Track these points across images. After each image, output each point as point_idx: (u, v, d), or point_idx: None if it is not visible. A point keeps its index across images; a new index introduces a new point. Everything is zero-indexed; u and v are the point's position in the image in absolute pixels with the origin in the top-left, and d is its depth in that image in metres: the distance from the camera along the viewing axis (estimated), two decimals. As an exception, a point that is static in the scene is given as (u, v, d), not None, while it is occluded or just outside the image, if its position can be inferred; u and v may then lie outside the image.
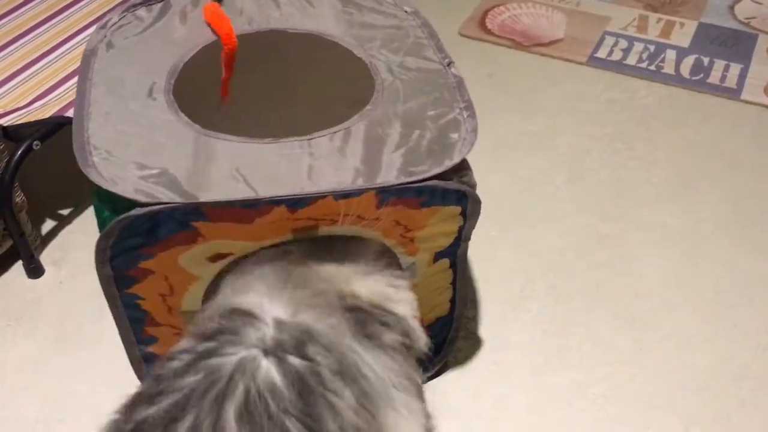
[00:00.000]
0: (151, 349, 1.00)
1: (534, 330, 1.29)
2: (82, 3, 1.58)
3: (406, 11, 1.12)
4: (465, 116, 0.94)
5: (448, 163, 0.87)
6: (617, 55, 1.95)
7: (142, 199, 0.80)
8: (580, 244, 1.45)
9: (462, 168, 0.91)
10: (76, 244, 1.45)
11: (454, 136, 0.92)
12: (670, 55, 1.94)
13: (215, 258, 0.88)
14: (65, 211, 1.50)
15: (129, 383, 1.02)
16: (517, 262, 1.41)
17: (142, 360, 1.01)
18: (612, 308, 1.33)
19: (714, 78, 1.86)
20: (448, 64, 1.02)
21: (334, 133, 0.90)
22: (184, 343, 0.74)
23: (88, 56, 1.01)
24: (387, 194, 0.85)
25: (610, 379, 1.22)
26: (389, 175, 0.86)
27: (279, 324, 0.74)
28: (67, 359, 1.25)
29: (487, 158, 1.65)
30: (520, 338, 1.29)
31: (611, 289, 1.36)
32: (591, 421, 1.16)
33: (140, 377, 1.03)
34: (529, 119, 1.77)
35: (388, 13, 1.11)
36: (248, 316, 0.74)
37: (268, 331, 0.73)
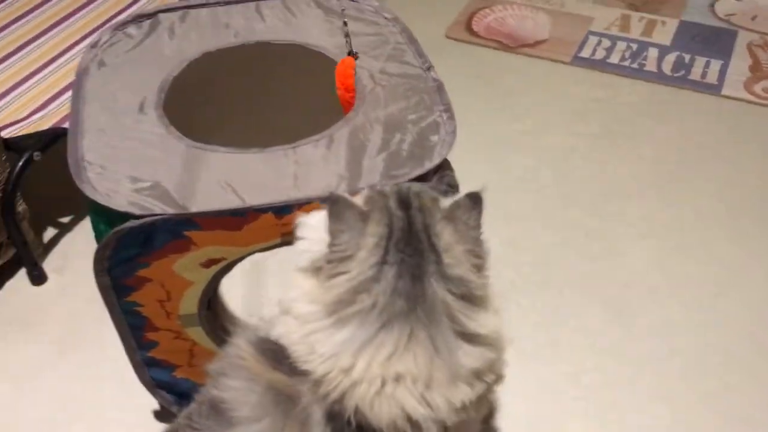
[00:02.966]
0: (151, 353, 1.03)
1: (525, 323, 1.33)
2: (77, 16, 1.63)
3: (386, 18, 1.16)
4: (444, 118, 0.98)
5: (428, 165, 0.91)
6: (601, 54, 1.99)
7: (136, 211, 0.84)
8: (567, 238, 1.49)
9: (443, 169, 0.95)
10: (77, 251, 1.49)
11: (434, 138, 0.95)
12: (653, 53, 1.98)
13: (208, 263, 0.91)
14: (66, 219, 1.54)
15: (133, 384, 1.07)
16: (507, 257, 1.44)
17: (143, 364, 1.05)
18: (600, 300, 1.36)
19: (695, 74, 1.90)
20: (428, 68, 1.06)
21: (318, 140, 0.94)
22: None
23: (81, 75, 1.05)
24: (370, 197, 0.89)
25: (600, 369, 1.25)
26: (372, 179, 0.89)
27: None
28: (72, 363, 1.29)
29: (476, 157, 1.68)
30: (511, 331, 1.32)
31: (599, 282, 1.40)
32: (582, 409, 1.19)
33: (143, 381, 1.07)
34: (516, 119, 1.81)
35: (368, 20, 1.15)
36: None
37: None
